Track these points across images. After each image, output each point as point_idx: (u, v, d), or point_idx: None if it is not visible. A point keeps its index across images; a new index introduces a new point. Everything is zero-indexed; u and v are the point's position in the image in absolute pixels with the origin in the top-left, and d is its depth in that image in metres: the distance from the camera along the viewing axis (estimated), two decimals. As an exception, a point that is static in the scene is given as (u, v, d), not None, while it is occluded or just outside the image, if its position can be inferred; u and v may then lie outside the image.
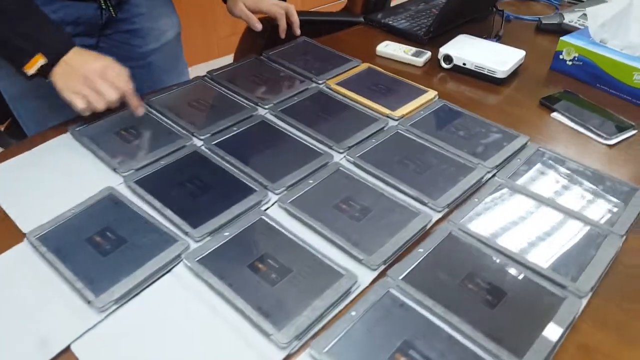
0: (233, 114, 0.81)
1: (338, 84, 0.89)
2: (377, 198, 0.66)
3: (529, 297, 0.54)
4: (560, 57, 0.96)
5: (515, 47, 0.99)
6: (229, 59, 1.46)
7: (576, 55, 0.93)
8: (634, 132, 0.82)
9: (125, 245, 0.59)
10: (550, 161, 0.74)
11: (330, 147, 0.75)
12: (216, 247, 0.59)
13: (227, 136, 0.76)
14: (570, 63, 0.95)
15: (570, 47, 0.94)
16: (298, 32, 0.99)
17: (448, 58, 0.96)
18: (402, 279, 0.56)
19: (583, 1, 1.23)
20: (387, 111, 0.82)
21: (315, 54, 1.00)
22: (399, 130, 0.79)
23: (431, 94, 0.87)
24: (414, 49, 1.01)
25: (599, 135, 0.80)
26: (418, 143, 0.76)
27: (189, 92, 0.87)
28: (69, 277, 0.55)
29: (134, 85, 0.96)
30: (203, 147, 0.74)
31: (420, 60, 0.98)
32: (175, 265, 0.58)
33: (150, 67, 0.96)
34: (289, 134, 0.78)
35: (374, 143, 0.75)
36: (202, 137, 0.76)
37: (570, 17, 1.10)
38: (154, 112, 0.82)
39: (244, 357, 0.49)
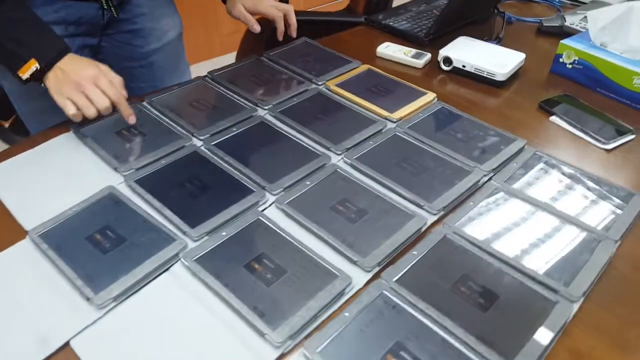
0: (233, 114, 0.82)
1: (337, 85, 0.90)
2: (373, 200, 0.67)
3: (521, 301, 0.55)
4: (561, 60, 0.96)
5: (516, 49, 0.99)
6: (231, 56, 1.47)
7: (576, 58, 0.94)
8: (632, 136, 0.82)
9: (124, 244, 0.60)
10: (547, 165, 0.74)
11: (328, 149, 0.75)
12: (213, 246, 0.60)
13: (227, 137, 0.77)
14: (570, 66, 0.95)
15: (570, 50, 0.94)
16: (294, 35, 0.99)
17: (448, 60, 0.97)
18: (396, 281, 0.56)
19: (586, 3, 1.23)
20: (385, 113, 0.83)
21: (315, 54, 1.00)
22: (397, 133, 0.79)
23: (430, 96, 0.88)
24: (414, 51, 1.01)
25: (597, 139, 0.81)
26: (415, 145, 0.77)
27: (189, 92, 0.88)
28: (69, 274, 0.56)
29: (136, 84, 0.98)
30: (202, 148, 0.75)
31: (420, 62, 0.99)
32: (173, 264, 0.59)
33: (152, 67, 0.97)
34: (287, 135, 0.78)
35: (371, 145, 0.76)
36: (201, 138, 0.77)
37: (572, 20, 1.10)
38: (155, 112, 0.83)
39: (238, 356, 0.50)
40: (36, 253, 0.60)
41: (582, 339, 0.53)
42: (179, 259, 0.59)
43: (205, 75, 0.93)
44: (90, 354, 0.50)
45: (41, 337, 0.51)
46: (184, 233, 0.61)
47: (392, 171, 0.71)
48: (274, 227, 0.62)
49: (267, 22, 0.98)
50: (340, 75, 0.93)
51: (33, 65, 0.70)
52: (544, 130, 0.84)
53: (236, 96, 0.87)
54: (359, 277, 0.57)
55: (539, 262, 0.59)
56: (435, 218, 0.66)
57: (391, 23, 1.11)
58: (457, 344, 0.51)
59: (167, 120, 0.81)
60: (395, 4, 1.33)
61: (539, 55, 1.03)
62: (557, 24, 1.11)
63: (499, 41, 1.06)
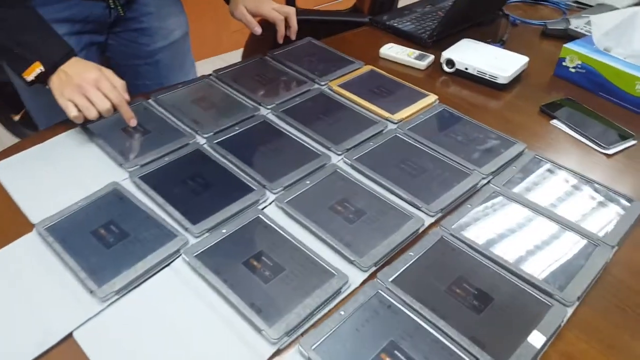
0: (236, 113, 0.83)
1: (340, 85, 0.90)
2: (372, 200, 0.68)
3: (516, 304, 0.56)
4: (564, 64, 0.96)
5: (520, 51, 0.99)
6: (239, 52, 1.48)
7: (579, 62, 0.94)
8: (634, 142, 0.82)
9: (127, 239, 0.62)
10: (546, 169, 0.75)
11: (329, 149, 0.76)
12: (214, 243, 0.61)
13: (229, 135, 0.78)
14: (573, 70, 0.95)
15: (573, 54, 0.94)
16: (293, 37, 0.99)
17: (450, 62, 0.97)
18: (392, 281, 0.57)
19: (592, 6, 1.23)
20: (386, 114, 0.84)
21: (319, 54, 1.01)
22: (397, 134, 0.80)
23: (431, 98, 0.89)
24: (417, 52, 1.02)
25: (597, 144, 0.81)
26: (415, 147, 0.78)
27: (194, 91, 0.89)
28: (73, 267, 0.58)
29: (142, 82, 0.99)
30: (205, 146, 0.76)
31: (423, 64, 0.99)
32: (174, 259, 0.60)
33: (158, 65, 0.98)
34: (289, 134, 0.79)
35: (371, 146, 0.77)
36: (205, 136, 0.78)
37: (577, 23, 1.10)
38: (160, 109, 0.84)
39: (235, 351, 0.51)
40: (42, 246, 0.61)
41: (575, 343, 0.54)
42: (180, 255, 0.60)
43: (210, 74, 0.94)
44: (92, 345, 0.51)
45: (45, 328, 0.53)
46: (186, 229, 0.63)
47: (391, 172, 0.72)
48: (273, 226, 0.64)
49: (270, 23, 0.99)
50: (343, 75, 0.94)
51: (37, 68, 0.71)
52: (545, 134, 0.84)
53: (240, 95, 0.88)
54: (356, 277, 0.58)
55: (534, 266, 0.60)
56: (432, 220, 0.66)
57: (395, 24, 1.12)
58: (450, 345, 0.51)
59: (171, 118, 0.82)
60: (401, 4, 1.33)
61: (543, 58, 1.03)
62: (562, 27, 1.11)
63: (502, 44, 1.07)
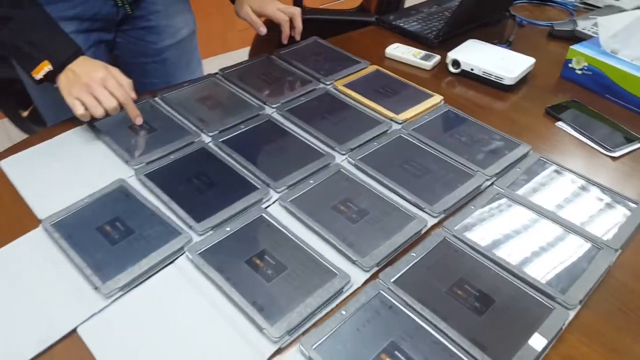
0: (241, 112, 0.84)
1: (345, 85, 0.91)
2: (375, 201, 0.68)
3: (517, 306, 0.56)
4: (570, 65, 0.96)
5: (527, 52, 0.99)
6: (246, 50, 1.49)
7: (586, 64, 0.93)
8: (639, 145, 0.82)
9: (132, 236, 0.62)
10: (550, 171, 0.75)
11: (333, 149, 0.77)
12: (217, 241, 0.62)
13: (234, 134, 0.79)
14: (579, 72, 0.95)
15: (580, 56, 0.94)
16: (298, 38, 1.00)
17: (456, 63, 0.97)
18: (394, 281, 0.58)
19: (600, 7, 1.22)
20: (391, 114, 0.84)
21: (325, 54, 1.01)
22: (402, 134, 0.80)
23: (436, 98, 0.88)
24: (423, 52, 1.02)
25: (603, 146, 0.81)
26: (419, 147, 0.78)
27: (200, 89, 0.90)
28: (78, 263, 0.58)
29: (149, 80, 1.00)
30: (211, 144, 0.77)
31: (428, 64, 0.99)
32: (178, 257, 0.61)
33: (165, 63, 0.99)
34: (293, 133, 0.80)
35: (375, 146, 0.77)
36: (210, 134, 0.79)
37: (584, 25, 1.09)
38: (166, 107, 0.85)
39: (237, 348, 0.52)
40: (48, 241, 0.62)
41: (576, 346, 0.54)
42: (184, 252, 0.61)
43: (216, 73, 0.94)
44: (95, 341, 0.52)
45: (49, 323, 0.53)
46: (190, 227, 0.63)
47: (395, 172, 0.72)
48: (276, 224, 0.64)
49: (276, 23, 0.99)
50: (349, 75, 0.94)
51: (46, 67, 0.72)
52: (550, 136, 0.84)
53: (245, 94, 0.89)
54: (358, 277, 0.59)
55: (537, 268, 0.60)
56: (435, 221, 0.67)
57: (401, 24, 1.12)
58: (451, 346, 0.52)
59: (177, 116, 0.83)
60: (408, 4, 1.33)
61: (549, 60, 1.03)
62: (569, 29, 1.10)
63: (509, 45, 1.06)
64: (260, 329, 0.52)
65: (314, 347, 0.51)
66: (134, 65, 0.99)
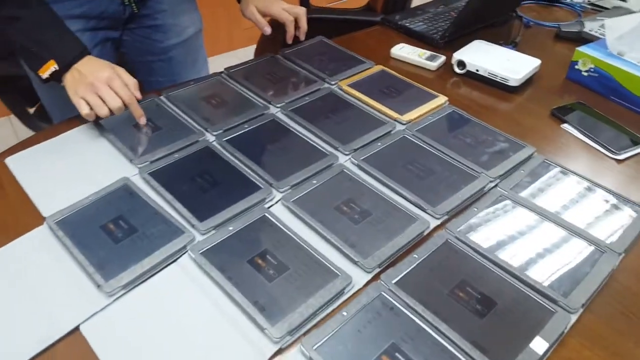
0: (246, 111, 0.84)
1: (350, 85, 0.91)
2: (378, 201, 0.68)
3: (519, 309, 0.56)
4: (576, 67, 0.95)
5: (533, 53, 0.98)
6: (251, 49, 1.49)
7: (592, 66, 0.93)
8: (645, 147, 0.81)
9: (136, 234, 0.62)
10: (554, 174, 0.74)
11: (336, 149, 0.77)
12: (220, 240, 0.62)
13: (238, 133, 0.79)
14: (585, 74, 0.94)
15: (586, 57, 0.93)
16: (302, 38, 1.00)
17: (461, 63, 0.97)
18: (395, 283, 0.58)
19: (608, 9, 1.21)
20: (395, 115, 0.84)
21: (330, 54, 1.01)
22: (406, 135, 0.80)
23: (441, 99, 0.88)
24: (428, 53, 1.01)
25: (608, 149, 0.80)
26: (423, 148, 0.78)
27: (205, 88, 0.90)
28: (82, 262, 0.59)
29: (155, 78, 1.00)
30: (215, 143, 0.77)
31: (434, 65, 0.99)
32: (181, 256, 0.61)
33: (171, 62, 0.99)
34: (297, 133, 0.80)
35: (379, 146, 0.77)
36: (214, 133, 0.79)
37: (591, 26, 1.08)
38: (171, 106, 0.85)
39: (238, 348, 0.52)
40: (52, 239, 0.62)
41: (578, 350, 0.53)
42: (187, 252, 0.61)
43: (221, 72, 0.94)
44: (98, 339, 0.52)
45: (52, 321, 0.54)
46: (193, 226, 0.64)
47: (398, 173, 0.72)
48: (278, 224, 0.64)
49: (281, 23, 0.99)
50: (353, 75, 0.94)
51: (52, 66, 0.73)
52: (555, 138, 0.84)
53: (250, 93, 0.89)
54: (359, 278, 0.59)
55: (539, 271, 0.60)
56: (438, 222, 0.66)
57: (407, 24, 1.12)
58: (451, 349, 0.51)
59: (182, 114, 0.83)
60: (414, 3, 1.33)
61: (556, 61, 1.02)
62: (576, 30, 1.09)
63: (515, 46, 1.06)
64: (261, 328, 0.53)
65: (314, 347, 0.51)
66: (140, 63, 1.00)
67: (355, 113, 0.85)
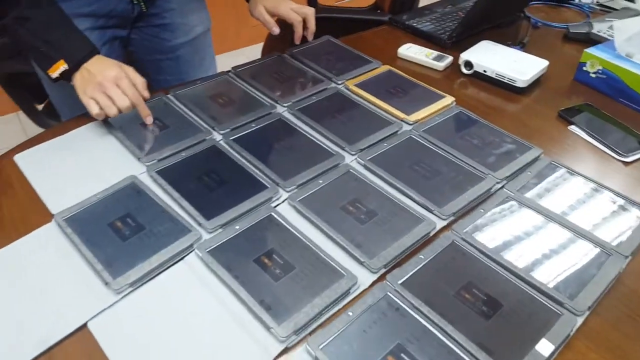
0: (252, 110, 0.84)
1: (357, 85, 0.91)
2: (384, 202, 0.68)
3: (525, 311, 0.56)
4: (584, 68, 0.95)
5: (541, 54, 0.98)
6: (259, 46, 1.49)
7: (600, 68, 0.92)
8: (653, 150, 0.81)
9: (143, 232, 0.63)
10: (561, 175, 0.74)
11: (343, 148, 0.77)
12: (226, 239, 0.62)
13: (245, 132, 0.79)
14: (593, 75, 0.94)
15: (594, 59, 0.93)
16: (310, 39, 1.00)
17: (469, 64, 0.96)
18: (401, 283, 0.58)
19: (617, 9, 1.21)
20: (402, 115, 0.84)
21: (337, 53, 1.01)
22: (412, 135, 0.80)
23: (448, 99, 0.88)
24: (435, 53, 1.01)
25: (615, 151, 0.80)
26: (430, 149, 0.77)
27: (212, 87, 0.90)
28: (90, 259, 0.59)
29: (163, 77, 1.01)
30: (222, 142, 0.78)
31: (441, 65, 0.99)
32: (188, 254, 0.61)
33: (179, 61, 1.00)
34: (304, 133, 0.80)
35: (385, 147, 0.77)
36: (221, 132, 0.79)
37: (600, 27, 1.08)
38: (179, 104, 0.85)
39: (244, 346, 0.52)
40: (61, 236, 0.63)
41: (584, 353, 0.53)
42: (194, 250, 0.61)
43: (229, 71, 0.95)
44: (105, 335, 0.53)
45: (60, 317, 0.54)
46: (200, 224, 0.64)
47: (405, 174, 0.72)
48: (285, 224, 0.64)
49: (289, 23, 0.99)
50: (360, 75, 0.94)
51: (61, 66, 0.74)
52: (562, 140, 0.83)
53: (257, 92, 0.89)
54: (365, 278, 0.59)
55: (546, 274, 0.59)
56: (444, 223, 0.66)
57: (415, 24, 1.11)
58: (457, 350, 0.52)
59: (189, 113, 0.83)
60: (422, 3, 1.32)
61: (564, 62, 1.02)
62: (584, 31, 1.09)
63: (522, 46, 1.05)
64: (267, 327, 0.53)
65: (320, 347, 0.51)
66: (148, 62, 1.00)
67: (362, 113, 0.85)
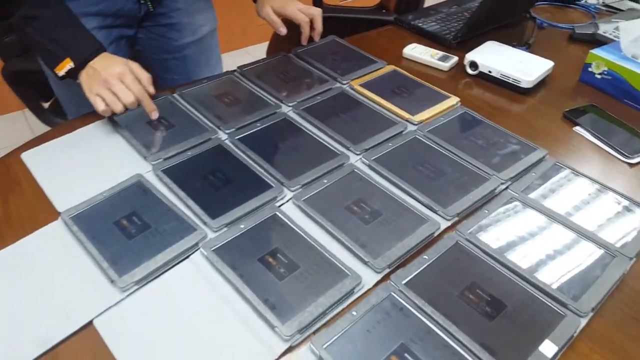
0: (258, 110, 0.84)
1: (361, 85, 0.91)
2: (388, 202, 0.68)
3: (529, 312, 0.56)
4: (590, 69, 0.95)
5: (546, 55, 0.98)
6: (265, 45, 1.49)
7: (605, 69, 0.92)
8: (658, 151, 0.80)
9: (149, 230, 0.63)
10: (566, 177, 0.74)
11: (348, 148, 0.77)
12: (231, 238, 0.63)
13: (251, 132, 0.80)
14: (599, 76, 0.94)
15: (599, 60, 0.92)
16: (317, 39, 1.00)
17: (474, 64, 0.96)
18: (405, 284, 0.58)
19: (623, 10, 1.20)
20: (407, 115, 0.84)
21: (342, 53, 1.01)
22: (417, 136, 0.80)
23: (453, 100, 0.88)
24: (440, 53, 1.01)
25: (620, 152, 0.80)
26: (434, 149, 0.78)
27: (218, 86, 0.91)
28: (96, 257, 0.60)
29: (169, 76, 1.01)
30: (227, 141, 0.78)
31: (446, 65, 0.99)
32: (193, 252, 0.62)
33: (185, 60, 1.00)
34: (309, 132, 0.80)
35: (390, 147, 0.77)
36: (227, 131, 0.80)
37: (605, 28, 1.07)
38: (185, 104, 0.86)
39: (248, 345, 0.52)
40: (67, 234, 0.63)
41: (588, 354, 0.53)
42: (199, 249, 0.62)
43: (234, 70, 0.95)
44: (111, 333, 0.53)
45: (66, 315, 0.55)
46: (205, 223, 0.64)
47: (409, 174, 0.72)
48: (289, 223, 0.65)
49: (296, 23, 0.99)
50: (365, 75, 0.94)
51: (68, 64, 0.74)
52: (567, 141, 0.83)
53: (262, 92, 0.89)
54: (369, 278, 0.59)
55: (550, 275, 0.60)
56: (448, 223, 0.67)
57: (420, 24, 1.11)
58: (460, 350, 0.52)
59: (195, 112, 0.84)
60: (428, 3, 1.32)
61: (569, 63, 1.02)
62: (590, 32, 1.08)
63: (528, 47, 1.05)
64: (271, 326, 0.53)
65: (324, 346, 0.51)
66: (155, 61, 1.01)
67: (367, 113, 0.85)
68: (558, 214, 0.67)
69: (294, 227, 0.64)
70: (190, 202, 0.67)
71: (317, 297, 0.56)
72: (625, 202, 0.70)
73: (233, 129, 0.80)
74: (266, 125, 0.81)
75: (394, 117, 0.84)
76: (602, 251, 0.63)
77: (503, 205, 0.69)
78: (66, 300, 0.56)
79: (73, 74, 0.75)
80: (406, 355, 0.51)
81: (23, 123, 2.07)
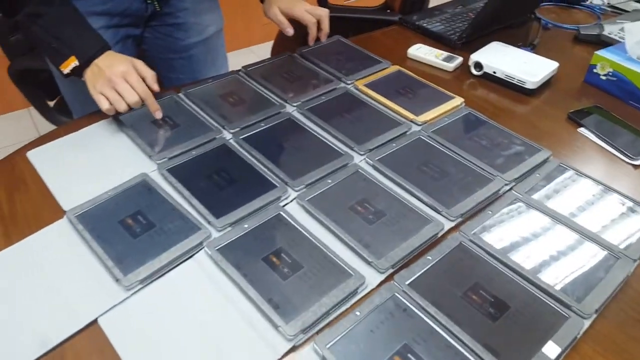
0: (262, 109, 0.84)
1: (366, 85, 0.91)
2: (392, 202, 0.68)
3: (532, 314, 0.56)
4: (594, 70, 0.94)
5: (551, 56, 0.98)
6: (270, 44, 1.50)
7: (610, 70, 0.92)
8: (663, 153, 0.80)
9: (153, 229, 0.64)
10: (570, 178, 0.74)
11: (352, 149, 0.77)
12: (235, 237, 0.63)
13: (255, 131, 0.80)
14: (604, 78, 0.93)
15: (604, 61, 0.92)
16: (323, 40, 1.01)
17: (478, 65, 0.96)
18: (408, 284, 0.58)
19: (628, 11, 1.20)
20: (411, 116, 0.84)
21: (347, 53, 1.01)
22: (421, 136, 0.80)
23: (457, 100, 0.88)
24: (445, 54, 1.01)
25: (625, 154, 0.80)
26: (438, 150, 0.78)
27: (223, 86, 0.91)
28: (101, 255, 0.60)
29: (175, 75, 1.02)
30: (232, 141, 0.78)
31: (450, 66, 0.99)
32: (197, 251, 0.62)
33: (191, 60, 1.00)
34: (313, 132, 0.80)
35: (394, 147, 0.77)
36: (231, 131, 0.80)
37: (610, 29, 1.07)
38: (190, 103, 0.86)
39: (252, 344, 0.53)
40: (72, 233, 0.64)
41: (591, 356, 0.53)
42: (203, 248, 0.62)
43: (239, 70, 0.95)
44: (116, 331, 0.54)
45: (71, 313, 0.55)
46: (209, 223, 0.65)
47: (413, 175, 0.72)
48: (293, 223, 0.65)
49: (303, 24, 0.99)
50: (370, 75, 0.94)
51: (73, 62, 0.75)
52: (572, 142, 0.83)
53: (267, 92, 0.90)
54: (373, 278, 0.59)
55: (553, 276, 0.60)
56: (452, 224, 0.67)
57: (425, 24, 1.11)
58: (464, 351, 0.52)
59: (200, 112, 0.84)
60: (432, 3, 1.32)
61: (574, 64, 1.01)
62: (595, 33, 1.08)
63: (533, 48, 1.05)
64: (275, 326, 0.53)
65: (327, 346, 0.52)
66: (161, 60, 1.01)
67: (371, 113, 0.85)
68: (562, 215, 0.67)
69: (298, 227, 0.64)
70: (195, 202, 0.67)
71: (321, 297, 0.56)
72: (630, 204, 0.70)
73: (237, 129, 0.80)
74: (270, 125, 0.82)
75: (398, 117, 0.84)
76: (605, 253, 0.63)
77: (507, 206, 0.69)
78: (71, 299, 0.56)
79: (78, 72, 0.76)
80: (409, 355, 0.51)
81: (28, 121, 2.08)
